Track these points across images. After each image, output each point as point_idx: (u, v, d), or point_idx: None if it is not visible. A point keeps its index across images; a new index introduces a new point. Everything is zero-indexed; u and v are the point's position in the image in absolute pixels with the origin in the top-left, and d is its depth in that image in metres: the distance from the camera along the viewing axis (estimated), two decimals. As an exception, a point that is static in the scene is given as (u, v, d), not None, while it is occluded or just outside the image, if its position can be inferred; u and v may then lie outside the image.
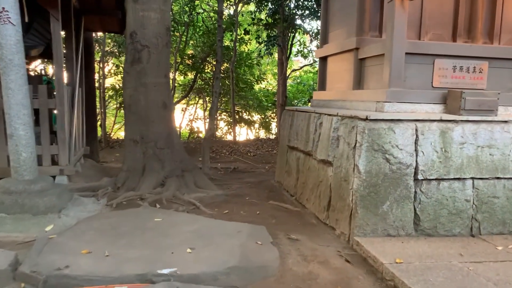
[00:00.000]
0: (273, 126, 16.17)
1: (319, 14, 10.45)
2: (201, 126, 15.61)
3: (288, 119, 6.06)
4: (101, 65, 12.75)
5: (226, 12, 13.43)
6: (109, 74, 14.02)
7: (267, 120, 16.29)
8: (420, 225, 3.79)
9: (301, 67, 16.31)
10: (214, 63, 11.59)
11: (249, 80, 15.26)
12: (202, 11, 13.86)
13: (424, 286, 2.80)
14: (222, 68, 12.94)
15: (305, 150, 5.11)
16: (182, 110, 15.75)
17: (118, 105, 14.34)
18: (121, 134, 14.65)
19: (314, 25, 21.82)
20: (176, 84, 13.78)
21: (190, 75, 14.36)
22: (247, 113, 16.10)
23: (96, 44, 12.69)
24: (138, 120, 5.66)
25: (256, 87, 16.15)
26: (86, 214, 4.42)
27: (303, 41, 14.44)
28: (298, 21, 11.76)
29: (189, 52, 14.02)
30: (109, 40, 13.33)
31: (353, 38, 4.86)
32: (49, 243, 3.36)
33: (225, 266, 3.03)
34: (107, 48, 13.30)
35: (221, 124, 15.97)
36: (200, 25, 13.63)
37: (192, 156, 9.93)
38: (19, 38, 4.11)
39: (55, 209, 4.23)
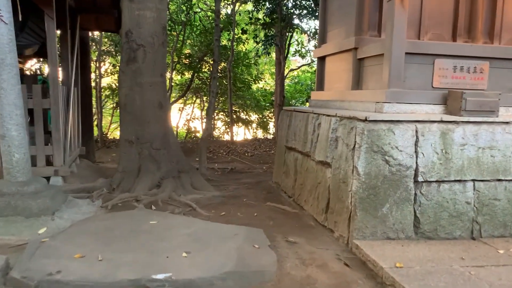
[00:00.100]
0: (271, 126, 16.10)
1: (317, 14, 10.39)
2: (198, 126, 15.53)
3: (286, 120, 5.99)
4: (97, 65, 12.65)
5: (223, 11, 13.33)
6: (105, 73, 13.92)
7: (265, 120, 16.22)
8: (420, 228, 3.73)
9: (299, 67, 16.24)
10: (212, 62, 11.52)
11: (246, 80, 15.18)
12: (200, 10, 13.77)
13: (425, 291, 2.74)
14: (219, 67, 12.86)
15: (303, 151, 5.04)
16: (179, 110, 15.66)
17: (114, 105, 14.25)
18: (117, 134, 14.51)
19: (312, 24, 21.79)
20: (173, 84, 13.68)
21: (187, 75, 14.27)
22: (245, 112, 16.02)
23: (93, 43, 12.60)
24: (133, 120, 5.58)
25: (254, 86, 16.08)
26: (80, 216, 4.34)
27: (301, 40, 14.36)
28: (296, 21, 11.70)
29: (186, 52, 13.93)
30: (106, 39, 13.23)
31: (351, 38, 4.79)
32: (41, 247, 3.29)
33: (221, 271, 2.96)
34: (103, 47, 13.20)
35: (219, 124, 15.90)
36: (198, 24, 13.54)
37: (189, 156, 9.86)
38: (12, 37, 4.02)
39: (48, 211, 4.14)
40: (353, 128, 3.81)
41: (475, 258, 3.32)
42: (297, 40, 14.33)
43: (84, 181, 6.13)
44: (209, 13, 13.77)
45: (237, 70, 14.49)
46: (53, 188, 4.57)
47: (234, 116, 15.07)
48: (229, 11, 13.46)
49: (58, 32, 6.54)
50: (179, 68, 13.69)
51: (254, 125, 16.36)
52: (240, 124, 16.10)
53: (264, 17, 11.35)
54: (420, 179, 3.69)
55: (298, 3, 11.08)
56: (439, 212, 3.74)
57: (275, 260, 3.32)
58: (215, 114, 14.78)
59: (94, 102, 12.03)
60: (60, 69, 7.03)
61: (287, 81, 15.52)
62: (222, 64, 13.40)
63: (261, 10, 11.44)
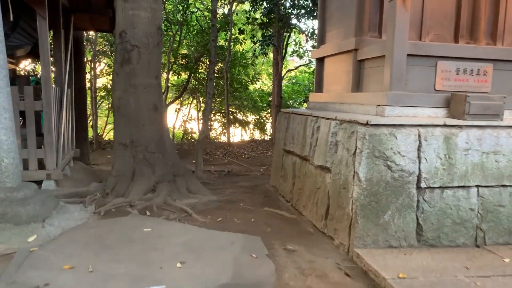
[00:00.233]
0: (268, 126, 15.98)
1: (315, 14, 10.28)
2: (194, 127, 15.40)
3: (283, 122, 5.86)
4: (92, 65, 12.49)
5: (220, 11, 13.21)
6: (101, 74, 13.76)
7: (262, 121, 16.10)
8: (423, 236, 3.61)
9: (297, 67, 16.12)
10: (208, 63, 11.38)
11: (243, 80, 15.05)
12: (196, 10, 13.63)
13: (430, 305, 2.62)
14: (216, 68, 12.73)
15: (302, 154, 4.91)
16: (176, 111, 15.52)
17: (110, 106, 14.09)
18: (113, 136, 14.38)
19: (310, 24, 21.69)
20: (169, 84, 13.53)
21: (184, 75, 14.13)
22: (242, 113, 15.89)
23: (88, 43, 12.44)
24: (128, 123, 5.44)
25: (251, 87, 15.94)
26: (72, 223, 4.20)
27: (298, 41, 14.24)
28: (294, 21, 11.58)
29: (183, 52, 13.78)
30: (101, 39, 13.07)
31: (351, 39, 4.67)
32: (29, 257, 3.15)
33: (217, 284, 2.83)
34: (99, 47, 13.05)
35: (215, 124, 15.76)
36: (194, 24, 13.40)
37: (186, 158, 9.73)
38: (1, 38, 3.88)
39: (38, 218, 4.00)
40: (354, 133, 3.69)
41: (480, 268, 3.20)
42: (294, 40, 14.21)
43: (78, 184, 5.99)
44: (205, 13, 13.63)
45: (234, 71, 14.35)
46: (43, 193, 4.42)
47: (231, 117, 14.94)
48: (226, 11, 13.33)
49: (51, 32, 6.40)
50: (175, 69, 13.54)
51: (251, 126, 16.22)
52: (237, 125, 15.97)
53: (262, 17, 11.22)
54: (423, 185, 3.58)
55: (296, 2, 10.96)
56: (442, 219, 3.62)
57: (273, 270, 3.20)
58: (212, 115, 14.63)
59: (89, 103, 11.89)
60: (53, 69, 6.90)
61: (284, 82, 15.41)
62: (219, 64, 13.27)
63: (258, 9, 11.32)
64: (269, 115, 15.56)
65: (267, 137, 15.20)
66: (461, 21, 4.48)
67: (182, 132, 15.18)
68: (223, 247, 3.48)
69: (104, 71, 13.87)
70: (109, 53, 12.87)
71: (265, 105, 15.73)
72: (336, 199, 3.92)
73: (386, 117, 3.83)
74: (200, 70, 13.81)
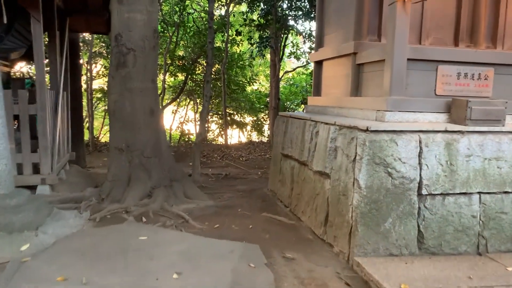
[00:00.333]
0: (266, 128, 15.89)
1: (312, 15, 10.21)
2: (192, 128, 15.30)
3: (282, 126, 5.79)
4: (88, 67, 12.38)
5: (217, 13, 13.11)
6: (97, 75, 13.65)
7: (260, 122, 16.01)
8: (424, 243, 3.54)
9: (294, 69, 16.04)
10: (205, 64, 11.29)
11: (241, 82, 14.97)
12: (193, 11, 13.53)
13: (433, 317, 2.56)
14: (213, 69, 12.64)
15: (300, 159, 4.84)
16: (173, 112, 15.43)
17: (106, 107, 13.97)
18: (108, 140, 14.29)
19: (307, 26, 21.64)
20: (166, 86, 13.43)
21: (181, 76, 14.03)
22: (239, 115, 15.80)
23: (84, 45, 12.34)
24: (123, 128, 5.35)
25: (248, 88, 15.85)
26: (66, 230, 4.11)
27: (296, 42, 14.16)
28: (291, 22, 11.50)
29: (179, 53, 13.69)
30: (97, 41, 12.96)
31: (350, 42, 4.60)
32: (21, 268, 3.07)
33: (214, 296, 2.76)
34: (95, 49, 12.94)
35: (213, 126, 15.66)
36: (191, 25, 13.30)
37: (183, 161, 9.64)
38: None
39: (31, 226, 3.91)
40: (353, 139, 3.62)
41: (483, 278, 3.13)
42: (292, 42, 14.13)
43: (74, 188, 5.90)
44: (202, 14, 13.54)
45: (231, 72, 14.27)
46: (37, 200, 4.33)
47: (228, 119, 14.86)
48: (223, 13, 13.24)
49: (47, 34, 6.31)
50: (172, 70, 13.45)
51: (248, 127, 16.14)
52: (234, 126, 15.88)
53: (259, 19, 11.13)
54: (424, 192, 3.51)
55: (293, 4, 10.88)
56: (444, 226, 3.56)
57: (272, 280, 3.12)
58: (209, 116, 14.54)
59: (85, 105, 11.78)
60: (48, 71, 6.81)
61: (282, 83, 15.34)
62: (216, 65, 13.18)
63: (255, 11, 11.23)
64: (266, 116, 15.48)
65: (265, 139, 15.12)
66: (461, 24, 4.44)
67: (179, 133, 15.08)
68: (220, 256, 3.41)
69: (100, 72, 13.76)
70: (106, 54, 12.76)
71: (262, 106, 15.64)
72: (335, 206, 3.85)
73: (386, 122, 3.77)
74: (197, 72, 13.71)
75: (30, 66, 11.84)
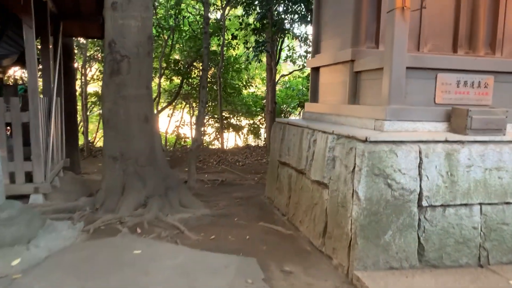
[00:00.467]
0: (262, 132, 15.81)
1: (308, 19, 10.14)
2: (187, 132, 15.20)
3: (279, 132, 5.71)
4: (83, 71, 12.27)
5: (213, 16, 13.05)
6: (92, 79, 13.55)
7: (256, 126, 15.93)
8: (425, 256, 3.47)
9: (290, 72, 15.98)
10: (201, 68, 11.20)
11: (237, 85, 14.89)
12: (189, 14, 13.45)
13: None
14: (209, 73, 12.56)
15: (298, 168, 4.77)
16: (168, 116, 15.33)
17: (101, 112, 13.86)
18: (102, 148, 14.17)
19: (304, 30, 21.59)
20: (161, 90, 13.33)
21: (176, 80, 13.94)
22: (236, 118, 15.72)
23: (78, 49, 12.24)
24: (117, 136, 5.25)
25: (245, 92, 15.78)
26: (59, 243, 4.01)
27: (292, 46, 14.10)
28: (287, 25, 11.42)
29: (175, 57, 13.60)
30: (92, 45, 12.86)
31: (348, 50, 4.54)
32: (12, 286, 2.97)
33: (211, 315, 2.68)
34: (89, 53, 12.83)
35: (209, 130, 15.57)
36: (187, 29, 13.22)
37: (179, 165, 9.55)
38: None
39: (23, 240, 3.82)
40: (352, 149, 3.55)
41: (486, 292, 3.07)
42: (288, 46, 14.07)
43: (68, 196, 5.81)
44: (198, 18, 13.46)
45: (227, 76, 14.19)
46: (29, 212, 4.23)
47: (225, 122, 14.77)
48: (218, 16, 13.17)
49: (40, 39, 6.20)
50: (167, 74, 13.35)
51: (245, 130, 16.05)
52: (230, 129, 15.79)
53: (255, 22, 11.07)
54: (424, 203, 3.45)
55: (290, 8, 10.81)
56: (445, 238, 3.49)
57: (270, 296, 3.05)
58: (205, 120, 14.44)
59: (79, 109, 11.68)
60: (41, 76, 6.70)
61: (278, 86, 15.26)
62: (212, 69, 13.10)
63: (251, 15, 11.15)
64: (263, 120, 15.40)
65: (261, 143, 15.04)
66: (459, 30, 4.39)
67: (175, 137, 14.98)
68: (216, 271, 3.32)
69: (95, 76, 13.66)
70: (100, 58, 12.66)
71: (258, 109, 15.57)
72: (334, 217, 3.78)
73: (385, 132, 3.70)
74: (192, 76, 13.62)
75: (24, 71, 11.72)
